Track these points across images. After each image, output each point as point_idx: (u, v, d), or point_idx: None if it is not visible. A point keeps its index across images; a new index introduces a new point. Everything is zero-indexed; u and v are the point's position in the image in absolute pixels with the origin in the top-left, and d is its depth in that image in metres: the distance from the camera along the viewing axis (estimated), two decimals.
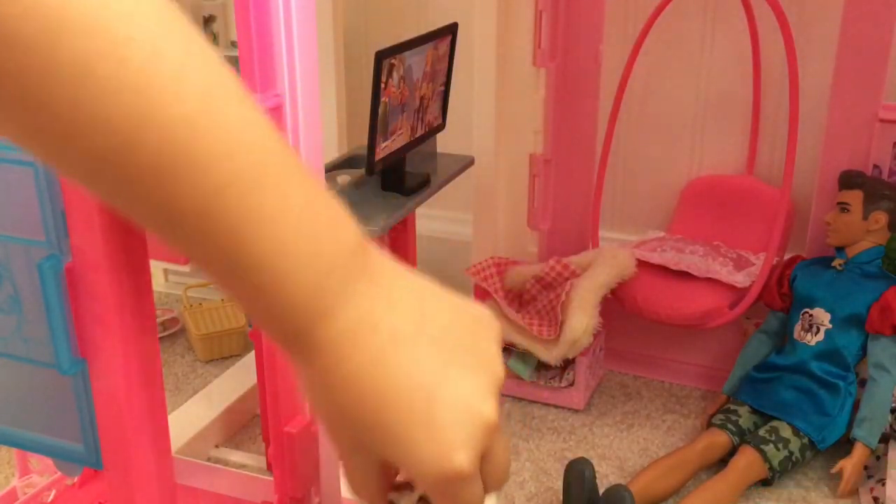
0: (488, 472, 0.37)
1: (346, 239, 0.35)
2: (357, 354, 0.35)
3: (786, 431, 1.29)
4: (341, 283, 0.35)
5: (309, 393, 0.37)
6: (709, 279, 1.41)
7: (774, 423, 1.30)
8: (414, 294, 0.37)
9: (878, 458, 1.30)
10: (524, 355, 1.47)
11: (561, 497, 1.22)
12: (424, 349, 0.36)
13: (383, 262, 0.37)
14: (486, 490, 0.38)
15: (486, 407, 0.36)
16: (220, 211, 0.32)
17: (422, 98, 1.30)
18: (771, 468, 1.26)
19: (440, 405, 0.36)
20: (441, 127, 1.41)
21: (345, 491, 0.99)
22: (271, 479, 0.93)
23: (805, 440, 1.29)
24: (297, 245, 0.34)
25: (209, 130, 0.32)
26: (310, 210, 0.35)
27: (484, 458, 0.37)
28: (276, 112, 0.78)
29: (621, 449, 1.39)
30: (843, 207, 1.33)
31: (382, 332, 0.35)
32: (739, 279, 1.40)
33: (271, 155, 0.34)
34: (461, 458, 0.35)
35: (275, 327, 0.36)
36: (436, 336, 0.37)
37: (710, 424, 1.35)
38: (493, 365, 0.38)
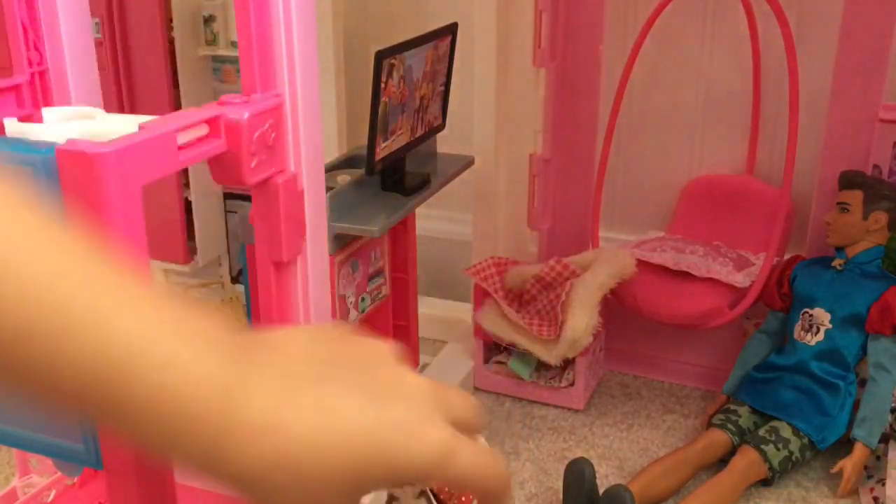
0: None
1: (209, 350, 0.35)
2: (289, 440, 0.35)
3: (786, 431, 1.29)
4: (225, 393, 0.35)
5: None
6: (709, 279, 1.41)
7: (774, 423, 1.30)
8: (295, 362, 0.38)
9: (878, 458, 1.30)
10: (524, 355, 1.47)
11: (561, 497, 1.22)
12: (339, 399, 0.36)
13: (251, 346, 0.37)
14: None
15: (421, 383, 0.38)
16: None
17: (422, 98, 1.31)
18: (771, 468, 1.26)
19: (384, 421, 0.36)
20: (441, 127, 1.41)
21: None
22: None
23: (805, 440, 1.29)
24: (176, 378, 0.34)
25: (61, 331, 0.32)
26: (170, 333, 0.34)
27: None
28: (276, 112, 0.78)
29: (621, 449, 1.39)
30: (843, 207, 1.33)
31: (294, 419, 0.35)
32: (739, 279, 1.40)
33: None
34: (434, 434, 0.36)
35: (189, 455, 0.37)
36: (341, 382, 0.37)
37: (710, 424, 1.35)
38: (404, 384, 0.38)
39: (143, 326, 0.33)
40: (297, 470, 0.36)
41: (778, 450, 1.26)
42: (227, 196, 1.70)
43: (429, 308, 1.64)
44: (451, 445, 0.37)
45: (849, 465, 1.25)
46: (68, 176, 0.58)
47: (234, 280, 1.80)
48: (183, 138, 0.65)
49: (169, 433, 0.35)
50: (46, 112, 0.66)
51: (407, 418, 0.36)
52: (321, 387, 0.36)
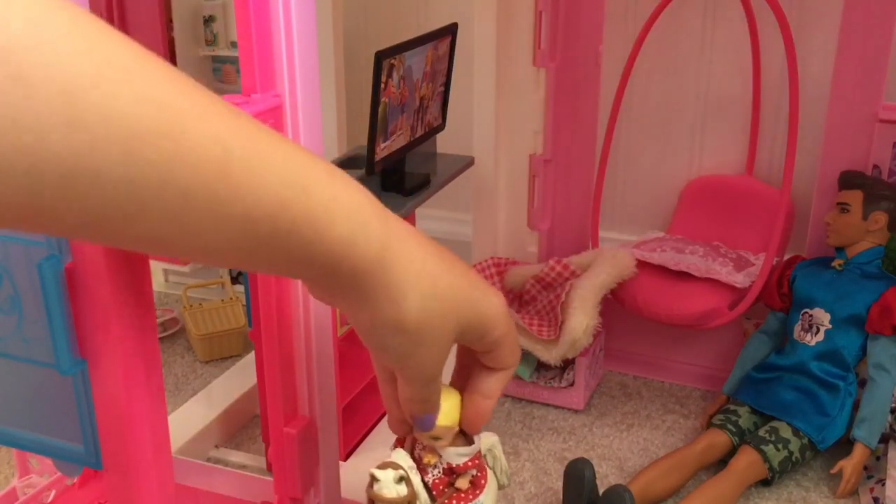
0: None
1: (369, 200, 0.46)
2: (415, 258, 0.48)
3: (786, 432, 1.29)
4: (382, 228, 0.46)
5: (384, 318, 0.47)
6: (709, 279, 1.41)
7: (774, 424, 1.30)
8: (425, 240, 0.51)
9: (877, 458, 1.30)
10: (524, 355, 1.47)
11: (561, 497, 1.22)
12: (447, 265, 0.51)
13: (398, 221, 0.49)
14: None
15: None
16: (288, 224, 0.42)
17: (422, 98, 1.30)
18: (771, 468, 1.26)
19: (474, 274, 0.54)
20: (441, 127, 1.41)
21: (345, 491, 0.99)
22: (271, 479, 0.93)
23: (805, 440, 1.29)
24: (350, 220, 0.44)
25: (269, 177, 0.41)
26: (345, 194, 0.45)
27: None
28: (276, 112, 0.78)
29: (621, 449, 1.39)
30: (843, 208, 1.33)
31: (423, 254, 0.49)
32: (739, 279, 1.40)
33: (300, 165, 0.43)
34: (501, 297, 0.54)
35: (335, 281, 0.46)
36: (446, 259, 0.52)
37: (710, 425, 1.35)
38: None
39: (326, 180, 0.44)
40: (437, 285, 0.49)
41: (778, 450, 1.26)
42: None
43: None
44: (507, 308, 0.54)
45: (848, 465, 1.25)
46: None
47: (234, 280, 1.81)
48: None
49: (346, 234, 0.44)
50: None
51: (487, 289, 0.53)
52: (434, 244, 0.51)
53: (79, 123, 0.33)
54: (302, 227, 0.42)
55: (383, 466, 0.66)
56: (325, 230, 0.43)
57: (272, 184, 0.40)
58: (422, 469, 0.67)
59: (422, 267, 0.48)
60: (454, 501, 0.67)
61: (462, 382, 0.60)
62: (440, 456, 0.65)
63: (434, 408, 0.57)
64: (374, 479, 0.66)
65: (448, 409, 0.59)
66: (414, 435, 0.65)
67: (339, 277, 0.45)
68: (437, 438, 0.62)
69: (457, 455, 0.65)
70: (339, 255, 0.44)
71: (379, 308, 0.47)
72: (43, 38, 0.32)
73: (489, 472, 0.70)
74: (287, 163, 0.41)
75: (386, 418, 0.61)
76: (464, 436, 0.64)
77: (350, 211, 0.44)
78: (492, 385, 0.58)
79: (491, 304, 0.53)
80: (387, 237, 0.46)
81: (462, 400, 0.60)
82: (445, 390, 0.60)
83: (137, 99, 0.34)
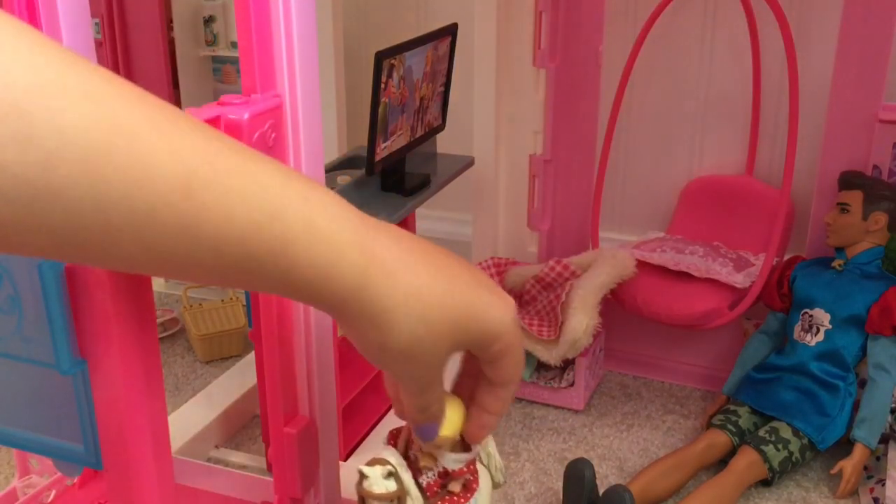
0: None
1: (353, 214, 0.45)
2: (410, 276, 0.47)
3: (786, 432, 1.29)
4: (368, 244, 0.45)
5: (385, 331, 0.46)
6: (709, 280, 1.41)
7: (774, 424, 1.30)
8: (419, 245, 0.49)
9: (878, 458, 1.30)
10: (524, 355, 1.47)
11: (561, 497, 1.22)
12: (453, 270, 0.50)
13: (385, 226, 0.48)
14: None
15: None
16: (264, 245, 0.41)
17: (422, 98, 1.30)
18: (771, 468, 1.26)
19: (480, 277, 0.52)
20: (441, 127, 1.41)
21: (345, 491, 0.99)
22: (271, 479, 0.93)
23: (805, 441, 1.29)
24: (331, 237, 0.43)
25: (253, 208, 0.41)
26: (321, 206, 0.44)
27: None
28: (276, 112, 0.78)
29: (621, 449, 1.39)
30: (843, 208, 1.33)
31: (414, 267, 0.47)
32: (739, 280, 1.40)
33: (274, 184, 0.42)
34: (509, 300, 0.52)
35: (330, 298, 0.45)
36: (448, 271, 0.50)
37: (710, 425, 1.35)
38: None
39: (301, 196, 0.43)
40: (426, 306, 0.46)
41: (778, 450, 1.26)
42: None
43: None
44: (516, 316, 0.52)
45: (848, 465, 1.25)
46: None
47: None
48: None
49: (322, 264, 0.42)
50: None
51: (493, 298, 0.51)
52: (430, 255, 0.49)
53: (31, 141, 0.33)
54: (275, 253, 0.41)
55: (371, 463, 0.66)
56: (301, 257, 0.41)
57: (241, 207, 0.39)
58: (416, 471, 0.66)
59: (407, 290, 0.46)
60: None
61: (466, 390, 0.60)
62: (436, 460, 0.65)
63: (435, 417, 0.57)
64: (362, 475, 0.66)
65: (451, 419, 0.59)
66: (412, 438, 0.65)
67: (322, 303, 0.44)
68: (437, 445, 0.62)
69: (454, 461, 0.65)
70: (317, 283, 0.43)
71: (364, 332, 0.46)
72: None
73: (484, 471, 0.70)
74: (257, 185, 0.40)
75: (392, 411, 0.61)
76: (462, 441, 0.64)
77: (327, 236, 0.42)
78: (495, 401, 0.57)
79: (494, 316, 0.50)
80: (368, 261, 0.44)
81: (466, 411, 0.60)
82: (449, 400, 0.60)
83: (91, 118, 0.34)
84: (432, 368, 0.50)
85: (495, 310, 0.50)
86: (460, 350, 0.52)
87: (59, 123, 0.33)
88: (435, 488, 0.66)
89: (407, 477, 0.65)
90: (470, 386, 0.59)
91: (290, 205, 0.41)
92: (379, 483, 0.64)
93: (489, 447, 0.71)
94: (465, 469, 0.65)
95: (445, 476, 0.66)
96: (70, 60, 0.35)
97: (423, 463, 0.66)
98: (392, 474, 0.65)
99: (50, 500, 1.10)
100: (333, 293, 0.44)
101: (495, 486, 0.72)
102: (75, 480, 1.11)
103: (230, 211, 0.39)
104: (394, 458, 0.65)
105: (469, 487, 0.67)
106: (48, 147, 0.33)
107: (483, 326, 0.50)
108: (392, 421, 1.32)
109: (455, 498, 0.66)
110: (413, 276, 0.46)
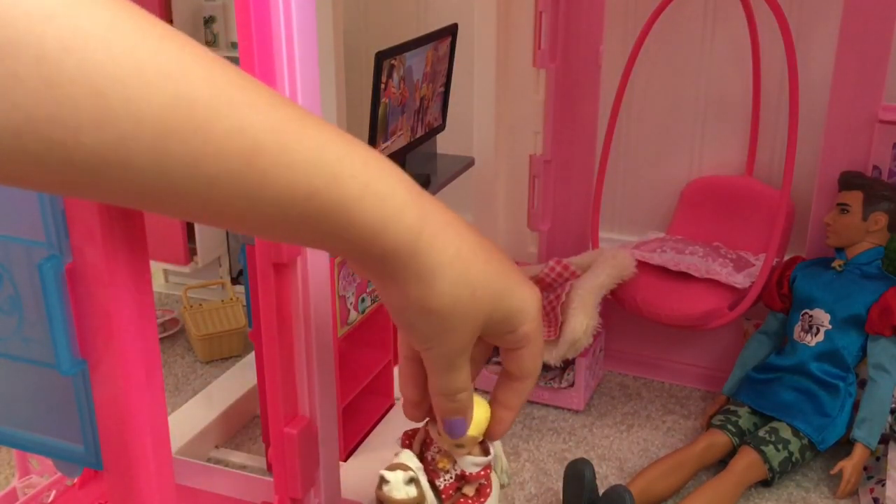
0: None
1: (406, 179, 0.48)
2: (452, 245, 0.49)
3: (786, 432, 1.29)
4: (420, 209, 0.48)
5: (419, 296, 0.48)
6: (709, 280, 1.41)
7: (774, 424, 1.30)
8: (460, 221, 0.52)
9: (878, 458, 1.30)
10: None
11: (561, 497, 1.22)
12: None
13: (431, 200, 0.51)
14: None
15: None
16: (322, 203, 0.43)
17: (422, 99, 1.31)
18: (771, 469, 1.26)
19: (512, 263, 0.54)
20: (441, 128, 1.41)
21: (345, 491, 0.99)
22: (271, 479, 0.93)
23: (805, 441, 1.29)
24: (385, 195, 0.46)
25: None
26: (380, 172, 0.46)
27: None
28: None
29: (621, 449, 1.39)
30: (843, 208, 1.33)
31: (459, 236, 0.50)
32: (739, 280, 1.40)
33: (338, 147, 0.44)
34: (535, 289, 0.54)
35: (378, 258, 0.46)
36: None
37: (709, 425, 1.35)
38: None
39: (358, 160, 0.45)
40: (471, 270, 0.49)
41: (778, 450, 1.26)
42: None
43: None
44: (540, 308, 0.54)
45: (848, 466, 1.25)
46: None
47: (234, 280, 1.81)
48: None
49: (379, 223, 0.45)
50: None
51: (523, 282, 0.53)
52: (472, 229, 0.52)
53: (108, 122, 0.34)
54: (333, 212, 0.43)
55: (392, 468, 0.66)
56: (357, 215, 0.44)
57: (302, 171, 0.41)
58: (434, 473, 0.66)
59: (456, 253, 0.48)
60: None
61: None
62: (454, 462, 0.65)
63: (464, 408, 0.57)
64: (383, 480, 0.66)
65: (478, 420, 0.59)
66: (433, 437, 0.64)
67: (371, 257, 0.46)
68: (460, 446, 0.62)
69: (472, 464, 0.64)
70: (370, 238, 0.45)
71: (408, 289, 0.48)
72: (76, 45, 0.33)
73: (493, 475, 0.70)
74: (318, 150, 0.42)
75: (401, 405, 0.60)
76: (480, 444, 0.64)
77: (383, 197, 0.45)
78: (514, 396, 0.59)
79: (524, 298, 0.53)
80: (421, 222, 0.47)
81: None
82: (478, 400, 0.59)
83: (167, 99, 0.36)
84: (464, 337, 0.51)
85: (525, 292, 0.53)
86: (490, 330, 0.53)
87: (136, 107, 0.35)
88: (450, 491, 0.66)
89: (425, 482, 0.65)
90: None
91: (350, 168, 0.43)
92: (400, 489, 0.64)
93: (497, 449, 0.71)
94: (481, 473, 0.65)
95: (461, 479, 0.66)
96: (154, 39, 0.36)
97: (441, 465, 0.66)
98: (413, 480, 0.65)
99: (50, 500, 1.10)
100: (385, 250, 0.46)
101: (500, 486, 0.72)
102: (75, 480, 1.11)
103: (292, 176, 0.41)
104: (413, 462, 0.65)
105: (482, 492, 0.66)
106: (123, 129, 0.35)
107: (513, 305, 0.52)
108: (392, 421, 1.32)
109: (469, 501, 0.66)
110: (461, 240, 0.49)
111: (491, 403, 0.60)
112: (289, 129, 0.41)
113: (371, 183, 0.44)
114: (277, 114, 0.41)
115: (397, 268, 0.47)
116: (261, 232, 0.44)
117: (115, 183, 0.37)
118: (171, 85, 0.36)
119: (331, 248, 0.46)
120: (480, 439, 0.61)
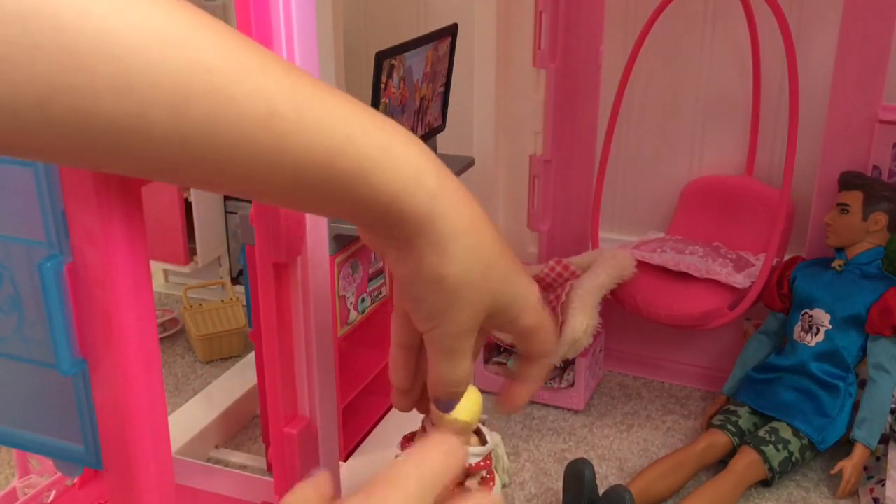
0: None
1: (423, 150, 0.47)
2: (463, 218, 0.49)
3: (786, 432, 1.29)
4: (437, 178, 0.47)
5: (428, 266, 0.48)
6: (709, 280, 1.41)
7: (774, 424, 1.30)
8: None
9: (877, 458, 1.30)
10: None
11: (561, 497, 1.22)
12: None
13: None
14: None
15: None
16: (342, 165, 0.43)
17: (422, 99, 1.31)
18: (771, 469, 1.26)
19: (513, 253, 0.53)
20: (441, 128, 1.41)
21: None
22: (271, 479, 0.93)
23: (805, 441, 1.29)
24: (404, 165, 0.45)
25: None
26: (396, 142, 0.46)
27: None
28: None
29: (621, 449, 1.39)
30: (843, 208, 1.33)
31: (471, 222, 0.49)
32: (739, 280, 1.40)
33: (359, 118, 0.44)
34: (535, 284, 0.53)
35: (394, 225, 0.46)
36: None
37: (710, 425, 1.35)
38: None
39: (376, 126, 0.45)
40: (485, 244, 0.49)
41: (778, 450, 1.26)
42: (227, 197, 1.70)
43: None
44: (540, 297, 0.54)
45: (848, 466, 1.25)
46: (68, 177, 0.58)
47: (234, 280, 1.80)
48: None
49: (398, 186, 0.44)
50: None
51: (524, 274, 0.53)
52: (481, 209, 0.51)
53: (127, 89, 0.35)
54: (351, 175, 0.43)
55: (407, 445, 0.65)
56: (375, 178, 0.44)
57: (319, 136, 0.41)
58: None
59: (471, 221, 0.49)
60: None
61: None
62: None
63: (458, 396, 0.57)
64: None
65: (468, 405, 0.59)
66: (428, 429, 0.64)
67: (387, 222, 0.46)
68: (455, 432, 0.62)
69: (472, 455, 0.65)
70: (388, 202, 0.45)
71: (421, 256, 0.48)
72: (92, 13, 0.34)
73: (495, 473, 0.70)
74: (335, 115, 0.42)
75: (391, 411, 0.60)
76: (478, 436, 0.64)
77: (401, 161, 0.45)
78: (530, 371, 0.58)
79: (526, 285, 0.53)
80: (438, 188, 0.47)
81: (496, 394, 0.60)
82: (468, 387, 0.59)
83: (182, 64, 0.37)
84: (471, 316, 0.51)
85: (526, 282, 0.53)
86: (493, 318, 0.52)
87: (156, 77, 0.36)
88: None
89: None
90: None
91: (367, 132, 0.43)
92: None
93: (499, 449, 0.71)
94: (481, 464, 0.65)
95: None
96: (169, 9, 0.37)
97: None
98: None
99: (50, 500, 1.10)
100: (403, 214, 0.46)
101: (502, 486, 0.72)
102: (75, 480, 1.11)
103: (309, 140, 0.41)
104: None
105: (486, 484, 0.67)
106: (141, 95, 0.36)
107: (518, 291, 0.52)
108: (392, 421, 1.32)
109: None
110: (473, 212, 0.50)
111: (512, 378, 0.60)
112: (303, 92, 0.41)
113: (389, 146, 0.44)
114: (289, 78, 0.41)
115: (412, 231, 0.47)
116: (280, 199, 0.45)
117: (135, 150, 0.37)
118: (186, 51, 0.37)
119: (349, 215, 0.46)
120: (474, 426, 0.61)
